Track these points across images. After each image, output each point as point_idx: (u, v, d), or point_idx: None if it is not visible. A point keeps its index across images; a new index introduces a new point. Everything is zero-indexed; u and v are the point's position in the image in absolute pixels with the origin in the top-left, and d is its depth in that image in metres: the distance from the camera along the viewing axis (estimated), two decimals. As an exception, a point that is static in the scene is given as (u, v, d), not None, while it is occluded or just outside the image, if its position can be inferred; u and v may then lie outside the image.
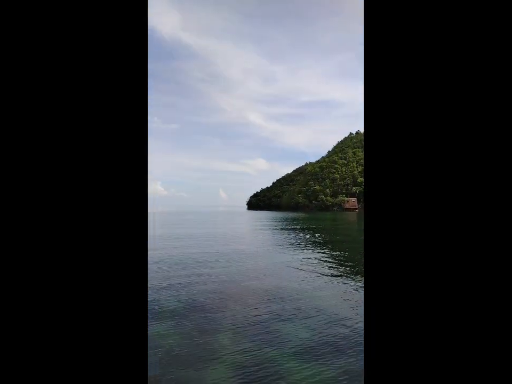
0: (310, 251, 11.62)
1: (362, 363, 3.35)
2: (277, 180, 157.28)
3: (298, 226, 26.02)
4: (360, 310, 5.09)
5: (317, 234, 19.18)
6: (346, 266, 8.89)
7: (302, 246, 13.21)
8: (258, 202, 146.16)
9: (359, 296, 5.83)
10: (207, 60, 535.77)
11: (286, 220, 38.62)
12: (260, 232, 20.61)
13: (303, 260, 9.76)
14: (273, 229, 23.49)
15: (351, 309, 5.15)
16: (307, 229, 23.88)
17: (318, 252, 11.37)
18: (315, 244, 13.93)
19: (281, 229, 23.46)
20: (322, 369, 3.25)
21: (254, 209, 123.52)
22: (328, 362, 3.39)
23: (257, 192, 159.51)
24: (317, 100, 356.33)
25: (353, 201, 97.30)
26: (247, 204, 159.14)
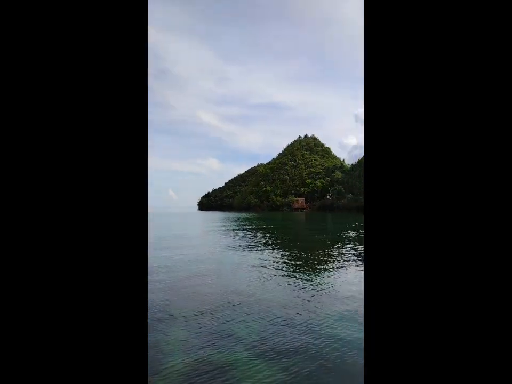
0: (262, 252, 11.85)
1: (313, 364, 3.53)
2: (229, 180, 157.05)
3: (251, 227, 26.34)
4: (309, 306, 5.36)
5: (267, 234, 19.66)
6: (295, 265, 9.28)
7: (254, 246, 13.41)
8: (210, 202, 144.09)
9: (306, 294, 6.14)
10: (156, 54, 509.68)
11: (238, 220, 38.79)
12: (211, 234, 20.32)
13: (254, 260, 9.91)
14: (226, 230, 23.39)
15: (301, 305, 5.41)
16: (260, 229, 24.32)
17: (270, 252, 11.66)
18: (267, 245, 14.26)
19: (234, 230, 23.49)
20: (274, 368, 3.34)
21: (205, 210, 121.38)
22: (281, 361, 3.49)
23: (208, 192, 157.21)
24: (269, 102, 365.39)
25: (302, 201, 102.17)
26: (198, 205, 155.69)
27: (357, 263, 9.30)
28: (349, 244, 14.33)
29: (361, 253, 11.44)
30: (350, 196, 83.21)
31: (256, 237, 17.63)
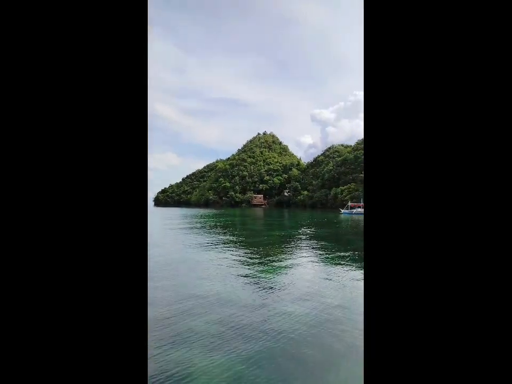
0: (221, 249, 11.89)
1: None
2: (187, 176, 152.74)
3: (210, 224, 26.08)
4: (268, 303, 5.61)
5: (226, 231, 19.70)
6: (254, 263, 9.54)
7: (213, 244, 13.37)
8: (166, 198, 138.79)
9: (266, 292, 6.41)
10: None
11: (197, 216, 38.06)
12: (169, 232, 19.71)
13: (214, 258, 9.93)
14: (184, 227, 22.84)
15: (261, 303, 5.64)
16: (219, 226, 24.21)
17: (228, 250, 11.74)
18: (226, 242, 14.31)
19: (192, 227, 23.05)
20: (229, 356, 3.49)
21: (161, 206, 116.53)
22: (240, 358, 3.65)
23: (165, 188, 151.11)
24: (229, 97, 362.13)
25: (260, 198, 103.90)
26: (154, 201, 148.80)
27: (312, 259, 9.90)
28: (305, 240, 15.10)
29: (314, 248, 12.17)
30: (305, 192, 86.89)
31: (216, 234, 17.57)
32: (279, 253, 11.38)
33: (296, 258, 10.01)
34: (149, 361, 3.55)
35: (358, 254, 10.84)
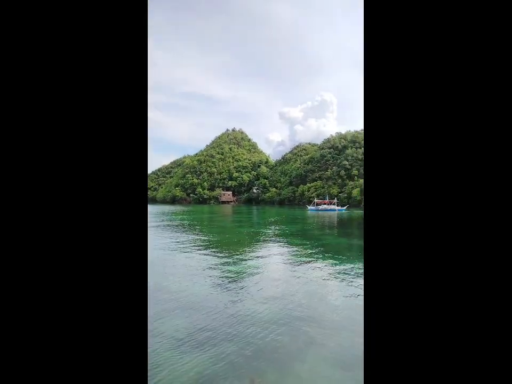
0: (189, 249, 11.65)
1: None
2: (152, 172, 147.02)
3: (177, 222, 25.38)
4: (237, 305, 5.61)
5: (194, 229, 19.35)
6: (223, 263, 9.48)
7: (181, 243, 13.04)
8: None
9: (234, 293, 6.39)
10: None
11: (163, 214, 36.79)
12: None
13: (182, 259, 9.70)
14: (150, 226, 21.96)
15: (231, 304, 5.62)
16: (187, 224, 23.67)
17: (197, 250, 11.55)
18: (194, 241, 14.05)
19: (158, 226, 22.25)
20: (200, 357, 3.44)
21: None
22: (208, 350, 3.61)
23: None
24: (198, 93, 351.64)
25: (229, 195, 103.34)
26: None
27: (280, 257, 10.09)
28: (274, 236, 15.33)
29: (282, 246, 12.41)
30: (274, 189, 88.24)
31: (183, 232, 17.15)
32: (248, 251, 11.43)
33: (266, 257, 10.12)
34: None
35: (323, 250, 11.27)
